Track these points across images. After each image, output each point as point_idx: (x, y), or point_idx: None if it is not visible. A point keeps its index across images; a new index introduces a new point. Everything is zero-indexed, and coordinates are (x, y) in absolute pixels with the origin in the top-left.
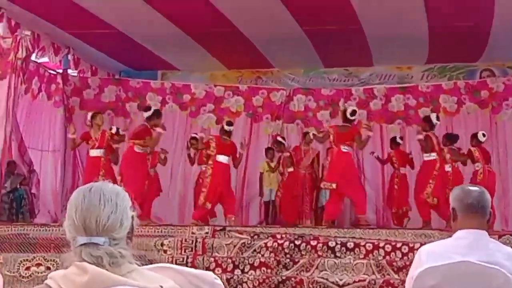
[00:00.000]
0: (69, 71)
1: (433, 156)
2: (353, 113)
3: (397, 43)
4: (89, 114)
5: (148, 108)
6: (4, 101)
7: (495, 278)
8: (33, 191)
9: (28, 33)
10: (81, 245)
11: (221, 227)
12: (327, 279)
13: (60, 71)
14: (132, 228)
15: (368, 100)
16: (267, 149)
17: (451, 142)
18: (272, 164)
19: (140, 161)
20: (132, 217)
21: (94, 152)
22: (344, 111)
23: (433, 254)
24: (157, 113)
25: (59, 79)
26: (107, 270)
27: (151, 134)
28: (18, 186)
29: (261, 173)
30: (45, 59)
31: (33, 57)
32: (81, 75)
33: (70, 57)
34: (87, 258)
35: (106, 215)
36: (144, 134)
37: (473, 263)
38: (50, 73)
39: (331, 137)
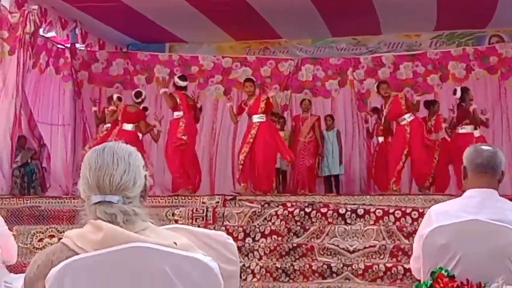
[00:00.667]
0: (77, 45)
1: None
2: None
3: (405, 10)
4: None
5: (184, 78)
6: (13, 76)
7: (505, 236)
8: (44, 165)
9: (35, 7)
10: (95, 203)
11: (232, 196)
12: (337, 246)
13: (68, 45)
14: (146, 187)
15: (376, 68)
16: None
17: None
18: (282, 133)
19: None
20: (145, 176)
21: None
22: None
23: (443, 213)
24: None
25: (67, 53)
26: (121, 227)
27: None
28: (29, 161)
29: None
30: (52, 34)
31: (40, 32)
32: (89, 49)
33: (77, 31)
34: (102, 216)
35: (119, 174)
36: (195, 108)
37: (482, 222)
38: (58, 47)
39: None
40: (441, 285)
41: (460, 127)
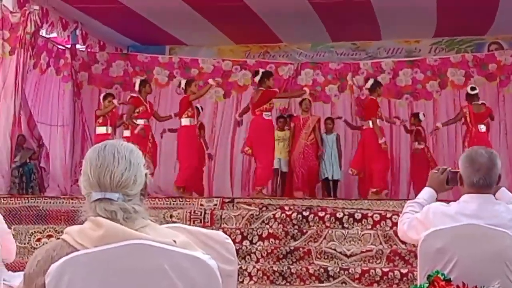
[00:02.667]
0: (77, 46)
1: None
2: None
3: (405, 16)
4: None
5: (257, 73)
6: (13, 76)
7: (501, 241)
8: (43, 165)
9: (37, 7)
10: (96, 200)
11: (230, 199)
12: (334, 249)
13: (69, 46)
14: (146, 185)
15: (376, 74)
16: (278, 118)
17: None
18: (282, 133)
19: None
20: (146, 174)
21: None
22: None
23: (441, 215)
24: (270, 74)
25: (67, 54)
26: (121, 224)
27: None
28: (28, 161)
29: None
30: (53, 35)
31: (42, 33)
32: (89, 50)
33: (78, 32)
34: (102, 213)
35: (120, 172)
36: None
37: (479, 226)
38: (58, 48)
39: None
40: None
41: None
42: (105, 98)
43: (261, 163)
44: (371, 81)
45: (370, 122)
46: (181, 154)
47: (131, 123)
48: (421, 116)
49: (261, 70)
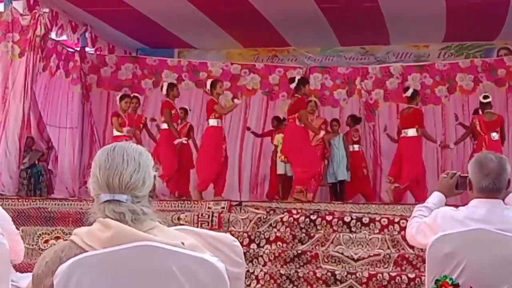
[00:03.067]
0: (87, 49)
1: None
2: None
3: (414, 21)
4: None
5: (293, 80)
6: (22, 78)
7: (510, 246)
8: (51, 167)
9: (47, 10)
10: (104, 202)
11: (237, 202)
12: (342, 253)
13: (78, 48)
14: (154, 187)
15: (384, 78)
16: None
17: (355, 123)
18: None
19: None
20: (155, 176)
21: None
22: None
23: (450, 220)
24: (306, 81)
25: (76, 57)
26: (129, 226)
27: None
28: (36, 163)
29: (275, 146)
30: (63, 37)
31: (52, 36)
32: (99, 53)
33: (87, 35)
34: (110, 215)
35: (129, 174)
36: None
37: (488, 231)
38: (68, 50)
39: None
40: None
41: None
42: (121, 99)
43: (299, 166)
44: (411, 90)
45: (411, 131)
46: (204, 154)
47: (172, 127)
48: None
49: (297, 77)
